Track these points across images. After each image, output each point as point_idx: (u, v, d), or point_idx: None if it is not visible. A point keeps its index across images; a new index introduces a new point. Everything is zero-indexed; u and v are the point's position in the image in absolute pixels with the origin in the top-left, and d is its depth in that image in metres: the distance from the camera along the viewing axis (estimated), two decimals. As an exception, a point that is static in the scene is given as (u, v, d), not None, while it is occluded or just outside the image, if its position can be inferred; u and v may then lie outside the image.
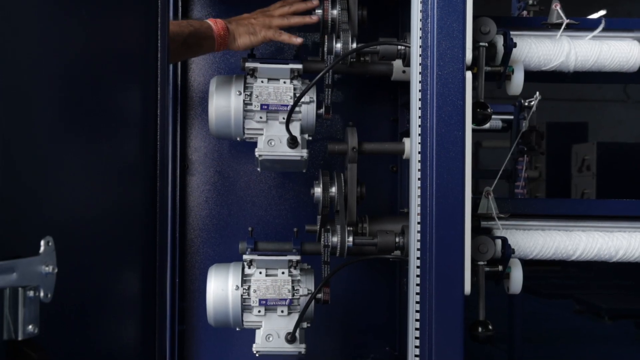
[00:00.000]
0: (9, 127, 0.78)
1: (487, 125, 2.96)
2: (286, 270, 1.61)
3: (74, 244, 0.93)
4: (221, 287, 1.59)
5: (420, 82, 1.33)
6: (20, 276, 0.76)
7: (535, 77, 1.65)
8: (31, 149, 0.84)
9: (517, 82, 1.51)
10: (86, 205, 1.00)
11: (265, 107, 1.58)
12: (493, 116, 2.38)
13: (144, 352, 1.23)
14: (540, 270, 7.84)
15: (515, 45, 1.45)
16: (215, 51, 1.69)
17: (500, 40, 1.47)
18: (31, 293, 0.78)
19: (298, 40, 1.67)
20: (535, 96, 1.88)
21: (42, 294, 0.80)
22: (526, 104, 2.53)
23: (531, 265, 1.52)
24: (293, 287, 1.60)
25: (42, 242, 0.81)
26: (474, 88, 1.40)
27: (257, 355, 1.59)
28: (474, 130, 1.39)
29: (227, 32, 1.66)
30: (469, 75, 1.34)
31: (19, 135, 0.80)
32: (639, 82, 1.91)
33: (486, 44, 1.43)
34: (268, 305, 1.59)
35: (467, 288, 1.35)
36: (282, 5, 1.72)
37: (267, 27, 1.67)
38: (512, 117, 2.95)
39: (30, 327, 0.77)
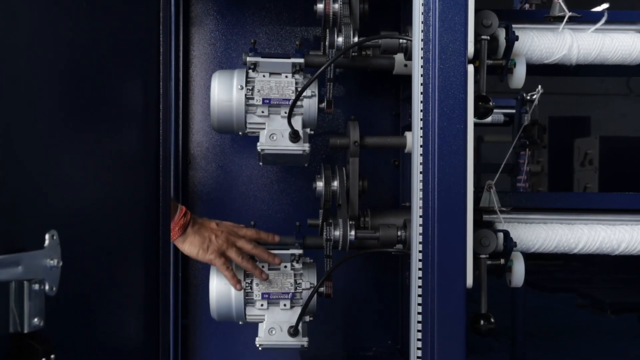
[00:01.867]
0: (12, 120, 0.78)
1: (489, 119, 2.97)
2: (288, 264, 1.62)
3: (78, 238, 0.94)
4: (224, 281, 1.60)
5: (422, 75, 1.33)
6: (25, 270, 0.77)
7: (538, 71, 1.65)
8: (34, 143, 0.84)
9: (519, 76, 1.51)
10: (89, 199, 1.01)
11: (267, 101, 1.58)
12: (495, 110, 2.38)
13: (147, 345, 1.24)
14: (543, 264, 7.85)
15: (517, 38, 1.46)
16: None
17: (502, 34, 1.47)
18: (36, 286, 0.78)
19: (237, 286, 1.59)
20: (537, 89, 1.89)
21: (47, 287, 0.80)
22: (528, 97, 2.53)
23: (534, 260, 1.52)
24: (295, 280, 1.61)
25: (46, 236, 0.82)
26: (476, 81, 1.40)
27: (260, 348, 1.60)
28: (475, 125, 1.39)
29: (182, 230, 1.59)
30: (470, 68, 1.34)
31: (22, 128, 0.81)
32: (641, 75, 1.91)
33: (488, 37, 1.44)
34: (271, 299, 1.60)
35: (469, 281, 1.36)
36: (250, 237, 1.63)
37: (219, 252, 1.59)
38: (514, 111, 2.95)
39: (35, 320, 0.78)
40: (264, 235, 1.63)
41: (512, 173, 3.12)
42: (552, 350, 4.83)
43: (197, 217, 1.65)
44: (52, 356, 0.79)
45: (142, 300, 1.23)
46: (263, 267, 1.61)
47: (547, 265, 7.93)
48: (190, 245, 1.61)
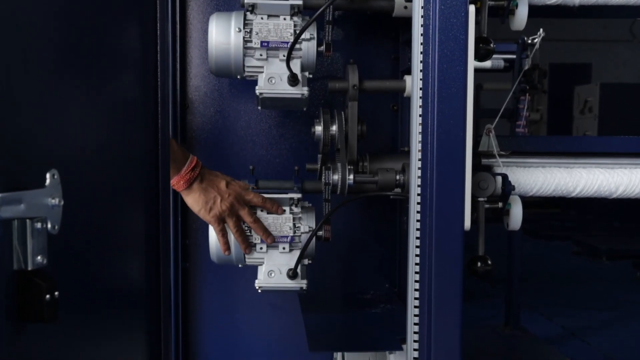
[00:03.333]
0: (11, 64, 0.78)
1: (488, 65, 2.95)
2: (287, 208, 1.63)
3: (78, 179, 0.94)
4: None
5: (422, 16, 1.32)
6: (27, 208, 0.78)
7: (540, 13, 1.63)
8: (32, 84, 0.84)
9: (521, 17, 1.50)
10: (89, 142, 1.01)
11: (266, 44, 1.57)
12: (495, 55, 2.37)
13: (148, 287, 1.26)
14: (540, 212, 7.91)
15: (519, -22, 1.44)
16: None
17: (504, -26, 1.45)
18: (39, 224, 0.79)
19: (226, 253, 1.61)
20: (538, 33, 1.87)
21: (49, 225, 0.81)
22: (529, 41, 2.51)
23: (530, 208, 1.54)
24: (294, 224, 1.63)
25: (47, 175, 0.83)
26: (477, 23, 1.39)
27: (259, 291, 1.63)
28: (475, 71, 1.39)
29: (188, 184, 1.58)
30: (472, 9, 1.33)
31: (20, 70, 0.81)
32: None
33: (490, -23, 1.42)
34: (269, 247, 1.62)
35: (467, 224, 1.38)
36: (255, 205, 1.62)
37: (220, 218, 1.59)
38: (514, 56, 2.92)
39: (39, 257, 0.79)
40: (269, 206, 1.62)
41: (511, 119, 3.11)
42: (547, 296, 4.91)
43: (208, 172, 1.63)
44: (56, 293, 0.80)
45: (142, 243, 1.25)
46: (262, 211, 1.63)
47: (544, 213, 8.00)
48: (193, 202, 1.62)
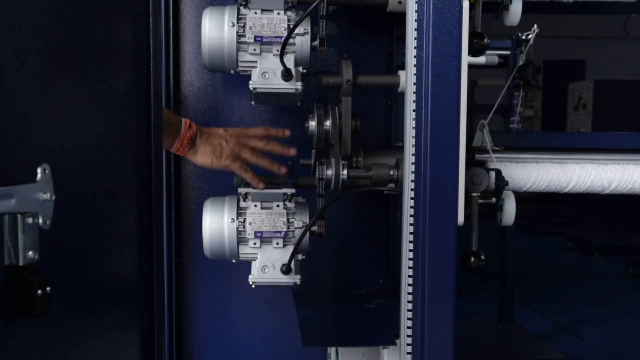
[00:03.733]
0: (2, 58, 0.77)
1: (483, 60, 2.95)
2: (281, 204, 1.63)
3: (70, 174, 0.94)
4: (217, 220, 1.61)
5: (416, 11, 1.32)
6: (18, 202, 0.77)
7: (534, 9, 1.63)
8: (24, 79, 0.84)
9: (515, 12, 1.50)
10: (81, 137, 1.01)
11: (259, 38, 1.56)
12: (489, 51, 2.37)
13: (142, 283, 1.26)
14: (533, 208, 7.93)
15: (513, -27, 1.44)
16: (169, 149, 1.62)
17: (498, -31, 1.45)
18: (30, 220, 0.79)
19: (261, 185, 1.62)
20: (533, 29, 1.87)
21: (40, 220, 0.81)
22: (523, 37, 2.50)
23: (524, 204, 1.53)
24: (288, 219, 1.63)
25: (38, 170, 0.82)
26: (471, 18, 1.39)
27: (253, 286, 1.63)
28: (470, 67, 1.39)
29: (191, 143, 1.60)
30: (465, 4, 1.33)
31: (12, 65, 0.80)
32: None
33: (484, -27, 1.41)
34: (263, 238, 1.62)
35: (461, 219, 1.38)
36: (260, 136, 1.65)
37: (234, 156, 1.61)
38: (508, 52, 2.92)
39: (30, 253, 0.79)
40: (274, 131, 1.65)
41: (505, 114, 3.11)
42: (540, 291, 4.93)
43: (203, 127, 1.65)
44: (48, 288, 0.80)
45: (136, 238, 1.24)
46: (256, 206, 1.62)
47: (537, 209, 8.02)
48: (202, 156, 1.62)
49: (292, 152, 1.65)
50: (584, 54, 10.05)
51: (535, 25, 1.85)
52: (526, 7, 1.53)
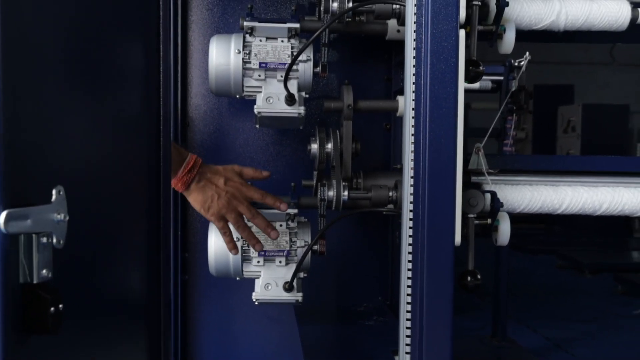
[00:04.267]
0: (17, 79, 0.77)
1: (477, 86, 2.96)
2: (284, 223, 1.63)
3: (82, 195, 0.94)
4: (222, 239, 1.61)
5: (414, 40, 1.33)
6: (33, 223, 0.77)
7: (526, 37, 1.64)
8: (38, 102, 0.84)
9: (508, 41, 1.50)
10: (94, 158, 1.01)
11: (264, 65, 1.57)
12: (483, 77, 2.38)
13: (150, 299, 1.25)
14: (525, 228, 7.92)
15: (507, 4, 1.44)
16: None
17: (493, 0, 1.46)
18: (44, 239, 0.79)
19: (233, 251, 1.57)
20: (525, 56, 1.88)
21: (54, 240, 0.81)
22: (516, 64, 2.51)
23: (516, 223, 1.53)
24: (290, 238, 1.62)
25: (53, 191, 0.82)
26: (467, 46, 1.39)
27: (256, 303, 1.62)
28: (464, 92, 1.39)
29: (186, 186, 1.54)
30: (462, 33, 1.33)
31: (26, 87, 0.80)
32: (626, 41, 1.90)
33: (479, 3, 1.42)
34: (267, 256, 1.61)
35: (458, 239, 1.37)
36: (249, 207, 1.57)
37: (218, 216, 1.55)
38: (501, 78, 2.94)
39: (44, 271, 0.79)
40: (270, 201, 1.58)
41: (499, 138, 3.12)
42: (533, 308, 4.90)
43: (209, 170, 1.58)
44: (60, 306, 0.80)
45: (144, 256, 1.24)
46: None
47: (529, 228, 8.01)
48: (193, 201, 1.58)
49: (283, 207, 1.58)
50: (573, 79, 10.11)
51: (527, 53, 1.86)
52: (519, 36, 1.54)
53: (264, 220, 1.57)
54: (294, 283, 1.60)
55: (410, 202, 1.35)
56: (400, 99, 1.58)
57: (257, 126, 1.69)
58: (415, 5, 1.33)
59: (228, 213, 1.56)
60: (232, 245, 1.58)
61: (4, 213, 0.72)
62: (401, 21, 1.55)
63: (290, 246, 1.62)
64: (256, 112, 1.58)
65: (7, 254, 0.73)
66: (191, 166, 1.55)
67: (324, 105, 1.63)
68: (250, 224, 1.60)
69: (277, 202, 1.58)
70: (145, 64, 1.23)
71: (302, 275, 1.63)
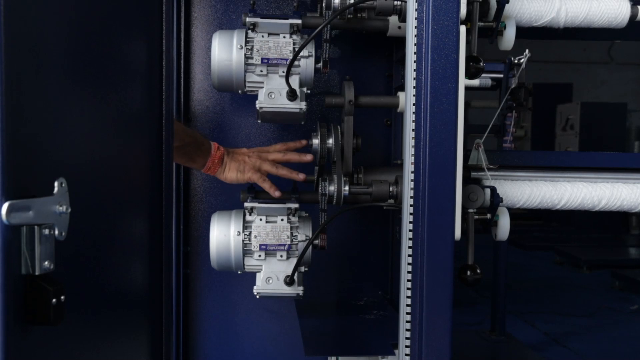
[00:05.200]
0: (20, 72, 0.77)
1: (477, 83, 2.95)
2: (285, 217, 1.62)
3: (85, 188, 0.93)
4: (224, 233, 1.60)
5: (415, 36, 1.32)
6: (36, 215, 0.77)
7: (526, 34, 1.63)
8: (42, 96, 0.83)
9: (508, 38, 1.50)
10: (96, 151, 1.00)
11: (266, 60, 1.56)
12: (483, 75, 2.37)
13: (151, 292, 1.25)
14: (524, 224, 7.92)
15: (507, 1, 1.44)
16: (202, 170, 1.71)
17: (493, -4, 1.45)
18: (46, 231, 0.78)
19: (277, 193, 1.66)
20: (524, 53, 1.87)
21: (56, 232, 0.80)
22: (516, 61, 2.50)
23: (515, 220, 1.52)
24: (292, 233, 1.62)
25: (55, 183, 0.81)
26: (467, 42, 1.39)
27: (257, 296, 1.61)
28: (464, 89, 1.38)
29: (221, 162, 1.70)
30: (462, 29, 1.33)
31: (30, 82, 0.80)
32: (626, 39, 1.89)
33: (480, 0, 1.42)
34: (268, 250, 1.60)
35: (457, 234, 1.36)
36: (279, 150, 1.73)
37: (255, 170, 1.69)
38: (501, 75, 2.93)
39: (46, 263, 0.78)
40: (292, 144, 1.74)
41: (498, 134, 3.11)
42: (531, 303, 4.90)
43: (229, 148, 1.74)
44: (62, 297, 0.79)
45: (146, 250, 1.23)
46: (261, 219, 1.61)
47: (528, 225, 8.01)
48: (229, 172, 1.70)
49: (309, 157, 1.69)
50: (571, 77, 10.10)
51: (527, 50, 1.85)
52: (519, 33, 1.53)
53: (294, 153, 1.73)
54: (295, 277, 1.60)
55: (411, 197, 1.35)
56: (401, 94, 1.57)
57: (259, 121, 1.68)
58: (416, 1, 1.32)
59: (262, 164, 1.70)
60: (273, 188, 1.66)
61: (6, 204, 0.71)
62: (402, 17, 1.54)
63: (292, 240, 1.61)
64: (258, 108, 1.57)
65: (9, 245, 0.73)
66: (218, 146, 1.71)
67: (325, 100, 1.62)
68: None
69: (298, 142, 1.75)
70: (148, 59, 1.22)
71: (303, 269, 1.63)
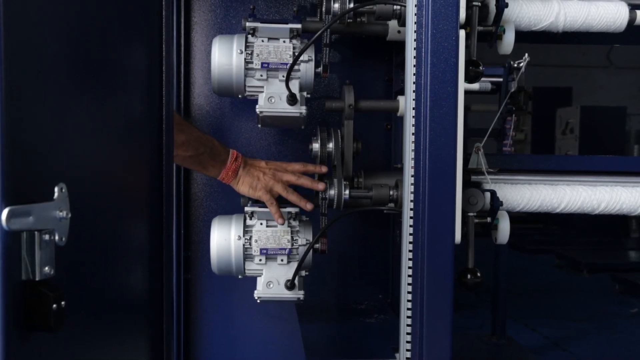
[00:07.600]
0: (20, 77, 0.77)
1: (476, 87, 2.95)
2: (286, 222, 1.62)
3: (85, 193, 0.93)
4: (224, 237, 1.60)
5: (415, 40, 1.32)
6: (36, 220, 0.76)
7: (525, 38, 1.63)
8: (42, 101, 0.83)
9: (508, 42, 1.50)
10: (96, 156, 1.00)
11: (266, 65, 1.56)
12: (483, 78, 2.37)
13: (152, 297, 1.24)
14: (524, 228, 7.91)
15: (507, 5, 1.44)
16: (215, 177, 1.65)
17: (492, 0, 1.45)
18: (46, 236, 0.78)
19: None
20: (524, 57, 1.87)
21: (56, 237, 0.80)
22: (515, 65, 2.51)
23: (515, 223, 1.52)
24: (292, 237, 1.61)
25: (55, 189, 0.81)
26: (467, 46, 1.39)
27: (258, 301, 1.61)
28: (464, 93, 1.38)
29: (235, 174, 1.65)
30: (462, 33, 1.33)
31: (29, 86, 0.80)
32: (624, 43, 1.89)
33: (479, 4, 1.41)
34: (269, 255, 1.60)
35: (458, 237, 1.36)
36: (297, 170, 1.67)
37: (266, 189, 1.63)
38: (501, 79, 2.93)
39: (46, 268, 0.78)
40: (311, 167, 1.66)
41: (498, 138, 3.11)
42: (531, 307, 4.89)
43: (248, 159, 1.69)
44: (63, 303, 0.79)
45: (146, 255, 1.23)
46: (262, 224, 1.61)
47: (528, 228, 8.00)
48: (242, 185, 1.65)
49: (321, 186, 1.61)
50: (570, 81, 10.10)
51: (527, 54, 1.85)
52: (518, 37, 1.53)
53: (307, 178, 1.65)
54: (296, 281, 1.60)
55: (411, 201, 1.35)
56: (400, 99, 1.57)
57: (259, 126, 1.68)
58: (415, 5, 1.32)
59: (275, 184, 1.63)
60: (278, 214, 1.62)
61: (6, 210, 0.71)
62: (402, 22, 1.54)
63: (292, 245, 1.61)
64: (258, 112, 1.57)
65: (9, 250, 0.72)
66: (236, 156, 1.66)
67: (325, 105, 1.62)
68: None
69: (318, 167, 1.64)
70: (148, 64, 1.22)
71: (303, 273, 1.62)
